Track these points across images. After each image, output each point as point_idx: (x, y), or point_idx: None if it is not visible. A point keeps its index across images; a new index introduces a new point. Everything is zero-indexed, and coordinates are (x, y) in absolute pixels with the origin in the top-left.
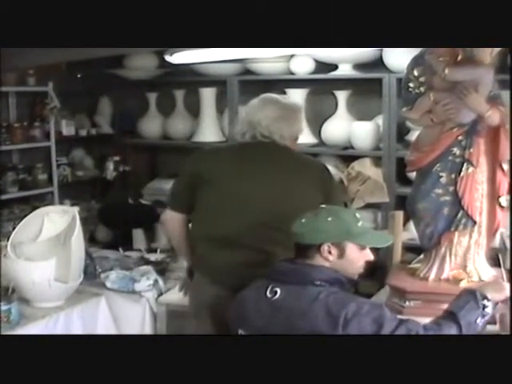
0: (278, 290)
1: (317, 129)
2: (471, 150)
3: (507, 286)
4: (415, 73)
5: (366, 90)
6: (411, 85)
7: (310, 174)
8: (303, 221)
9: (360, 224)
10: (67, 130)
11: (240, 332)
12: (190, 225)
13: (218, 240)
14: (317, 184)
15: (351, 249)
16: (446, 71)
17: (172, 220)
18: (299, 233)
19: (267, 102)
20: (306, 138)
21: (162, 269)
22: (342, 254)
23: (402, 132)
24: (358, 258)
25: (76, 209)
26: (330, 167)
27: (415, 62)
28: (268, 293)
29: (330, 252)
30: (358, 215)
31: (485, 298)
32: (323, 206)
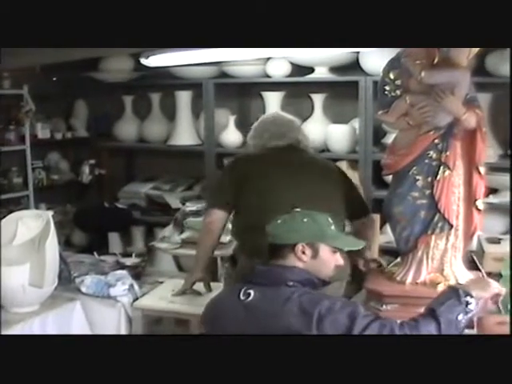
0: (252, 292)
1: None
2: (448, 153)
3: (493, 283)
4: (391, 76)
5: (342, 92)
6: (387, 88)
7: (331, 176)
8: (279, 222)
9: (333, 228)
10: (42, 133)
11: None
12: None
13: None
14: (337, 184)
15: (324, 251)
16: (423, 74)
17: (218, 220)
18: (274, 233)
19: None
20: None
21: (137, 273)
22: (315, 255)
23: (378, 135)
24: (330, 261)
25: (50, 213)
26: None
27: (391, 65)
28: (241, 295)
29: (303, 252)
30: (330, 220)
31: (468, 294)
32: (298, 209)
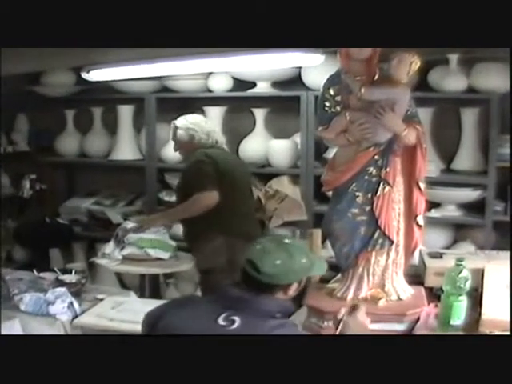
0: (237, 320)
1: (234, 147)
2: (387, 169)
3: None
4: (331, 92)
5: (283, 107)
6: (327, 104)
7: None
8: (277, 262)
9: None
10: None
11: None
12: None
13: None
14: None
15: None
16: (363, 90)
17: (214, 202)
18: (272, 274)
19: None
20: None
21: (77, 290)
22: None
23: (320, 150)
24: None
25: None
26: None
27: (331, 81)
28: (221, 320)
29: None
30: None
31: None
32: (287, 240)
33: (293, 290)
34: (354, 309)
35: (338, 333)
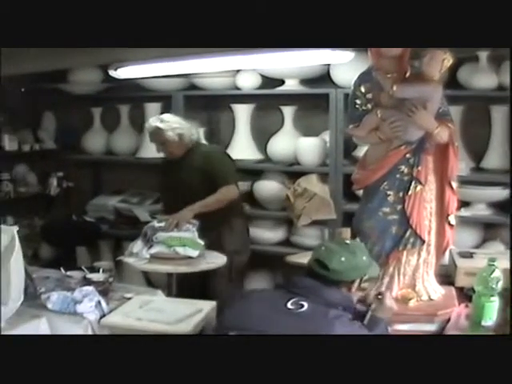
0: (306, 305)
1: (263, 144)
2: (419, 167)
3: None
4: (362, 89)
5: (312, 105)
6: (358, 101)
7: None
8: (342, 259)
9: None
10: (10, 145)
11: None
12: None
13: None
14: None
15: None
16: (394, 88)
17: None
18: (338, 270)
19: None
20: (251, 153)
21: (104, 289)
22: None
23: (348, 148)
24: None
25: (15, 228)
26: (276, 184)
27: (362, 78)
28: (290, 304)
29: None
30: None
31: None
32: (347, 241)
33: (355, 288)
34: (379, 295)
35: (366, 321)
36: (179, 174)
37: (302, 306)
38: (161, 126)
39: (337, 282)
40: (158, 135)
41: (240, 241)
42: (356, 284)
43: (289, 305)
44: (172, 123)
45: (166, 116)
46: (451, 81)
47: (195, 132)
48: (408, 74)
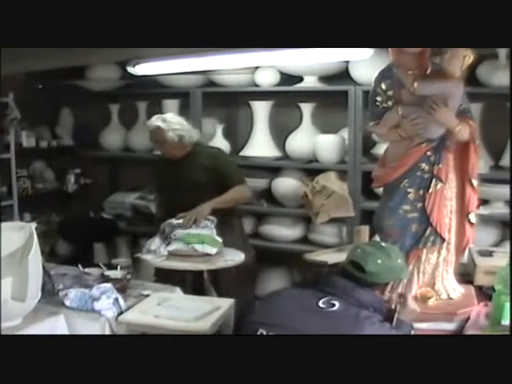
0: (337, 304)
1: (281, 142)
2: (440, 165)
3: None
4: (383, 86)
5: (331, 102)
6: (379, 98)
7: None
8: (379, 261)
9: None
10: (27, 141)
11: (260, 332)
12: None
13: None
14: None
15: None
16: (415, 85)
17: None
18: (375, 272)
19: None
20: (269, 151)
21: (122, 286)
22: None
23: (367, 145)
24: None
25: (33, 225)
26: (294, 181)
27: (383, 75)
28: (321, 303)
29: None
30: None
31: None
32: (382, 244)
33: (388, 291)
34: (401, 297)
35: (394, 324)
36: (182, 173)
37: (334, 305)
38: (162, 125)
39: (371, 284)
40: (158, 134)
41: (240, 240)
42: (389, 287)
43: (320, 303)
44: (173, 124)
45: (169, 116)
46: (470, 78)
47: (195, 135)
48: (429, 71)
